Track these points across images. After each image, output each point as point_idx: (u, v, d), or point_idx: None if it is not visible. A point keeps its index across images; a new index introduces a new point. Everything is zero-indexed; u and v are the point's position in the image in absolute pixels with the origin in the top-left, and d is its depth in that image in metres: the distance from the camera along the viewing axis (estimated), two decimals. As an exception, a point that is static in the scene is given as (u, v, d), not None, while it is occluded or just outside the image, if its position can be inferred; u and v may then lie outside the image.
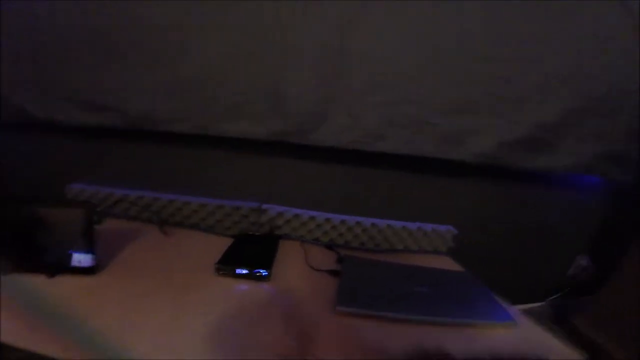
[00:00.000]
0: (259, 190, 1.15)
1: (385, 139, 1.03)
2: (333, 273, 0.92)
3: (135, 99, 1.02)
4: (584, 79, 0.96)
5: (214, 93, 1.01)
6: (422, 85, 0.98)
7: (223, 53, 0.98)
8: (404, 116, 1.01)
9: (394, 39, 0.94)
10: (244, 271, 0.83)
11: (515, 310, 0.83)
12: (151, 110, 1.03)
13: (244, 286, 0.82)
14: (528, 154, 1.04)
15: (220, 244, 0.96)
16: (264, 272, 0.84)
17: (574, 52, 0.94)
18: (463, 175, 1.13)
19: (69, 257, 0.75)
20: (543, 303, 1.34)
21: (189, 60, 0.98)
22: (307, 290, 0.83)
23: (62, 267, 0.75)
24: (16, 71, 1.03)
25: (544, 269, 1.29)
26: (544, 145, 1.03)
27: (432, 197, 1.17)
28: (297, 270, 0.93)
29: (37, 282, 0.71)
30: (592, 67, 0.95)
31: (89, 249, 0.76)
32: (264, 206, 1.12)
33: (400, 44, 0.95)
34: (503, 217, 1.20)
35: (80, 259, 0.75)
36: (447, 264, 1.11)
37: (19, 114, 1.05)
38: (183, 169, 1.16)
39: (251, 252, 0.93)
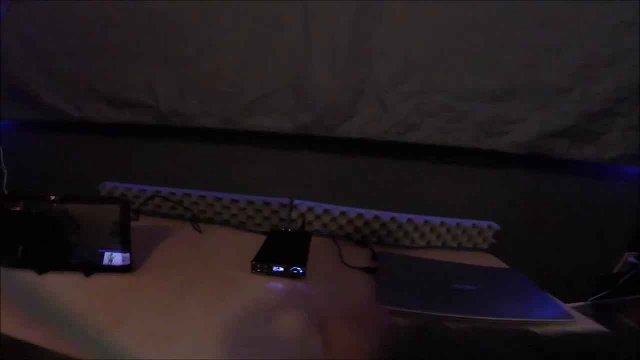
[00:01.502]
0: (288, 185, 1.13)
1: (418, 128, 0.98)
2: (369, 270, 0.88)
3: (165, 95, 1.02)
4: (625, 65, 0.88)
5: (239, 87, 1.00)
6: (451, 73, 0.93)
7: (247, 47, 0.96)
8: (436, 105, 0.96)
9: (418, 26, 0.91)
10: (280, 269, 0.80)
11: (569, 307, 0.77)
12: (180, 105, 1.02)
13: (279, 284, 0.79)
14: (573, 144, 0.97)
15: (253, 241, 0.94)
16: (300, 269, 0.81)
17: (607, 37, 0.86)
18: (502, 167, 1.07)
19: (100, 256, 0.74)
20: (586, 303, 1.25)
21: (214, 55, 0.98)
22: (342, 288, 0.80)
23: (95, 266, 0.74)
24: (48, 72, 1.05)
25: (588, 267, 1.19)
26: (590, 136, 0.96)
27: (470, 191, 1.10)
28: (330, 268, 0.89)
29: (72, 282, 0.71)
30: (631, 52, 0.87)
31: (124, 247, 0.74)
32: (295, 202, 1.09)
33: (425, 31, 0.91)
34: (544, 212, 1.12)
35: (112, 257, 0.74)
36: (490, 261, 1.04)
37: (54, 114, 1.08)
38: (213, 166, 1.15)
39: (285, 249, 0.90)
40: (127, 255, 0.75)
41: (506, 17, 0.88)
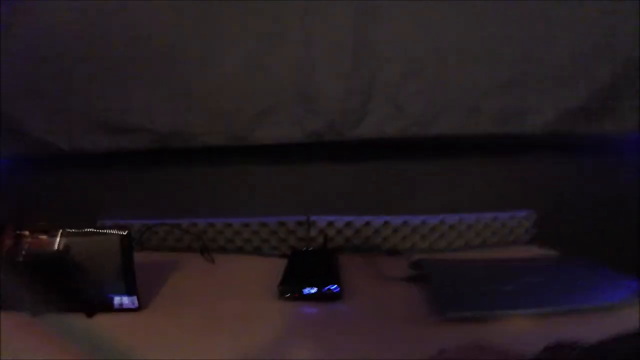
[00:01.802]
0: (302, 200, 1.04)
1: (436, 123, 0.93)
2: (411, 280, 0.76)
3: (163, 115, 0.95)
4: (621, 43, 0.88)
5: (243, 99, 0.94)
6: (454, 69, 0.92)
7: (248, 57, 0.92)
8: (448, 99, 0.93)
9: (417, 25, 0.90)
10: (313, 290, 0.69)
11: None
12: (181, 125, 0.95)
13: (313, 309, 0.67)
14: (592, 120, 0.94)
15: (271, 266, 0.83)
16: (334, 288, 0.69)
17: (598, 27, 0.88)
18: (530, 152, 1.01)
19: (103, 294, 0.63)
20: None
21: (214, 69, 0.93)
22: (386, 303, 0.69)
23: (98, 307, 0.63)
24: (34, 101, 0.97)
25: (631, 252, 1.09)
26: (606, 109, 0.93)
27: (500, 181, 1.03)
28: (366, 283, 0.78)
29: (74, 323, 0.61)
30: (624, 31, 0.88)
31: (129, 285, 0.63)
32: (312, 218, 0.99)
33: (423, 29, 0.90)
34: (582, 196, 1.03)
35: (116, 296, 0.63)
36: (538, 251, 0.95)
37: (42, 147, 0.98)
38: (218, 189, 1.06)
39: (312, 269, 0.79)
40: (133, 297, 0.63)
41: (499, 14, 0.88)
